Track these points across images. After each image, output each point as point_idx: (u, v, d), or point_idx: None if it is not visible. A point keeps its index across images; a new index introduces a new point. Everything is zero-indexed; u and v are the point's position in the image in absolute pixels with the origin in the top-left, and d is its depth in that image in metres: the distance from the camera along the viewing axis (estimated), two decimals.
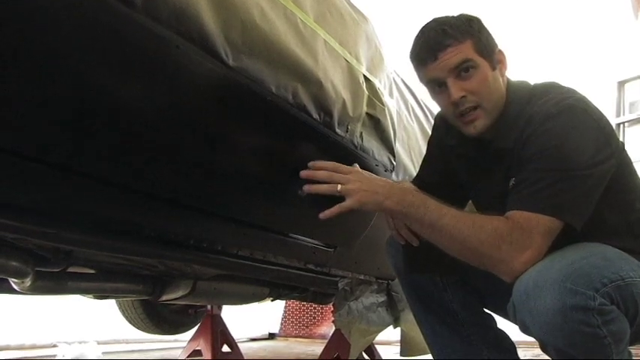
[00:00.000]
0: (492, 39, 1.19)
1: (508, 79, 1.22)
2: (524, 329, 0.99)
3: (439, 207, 1.09)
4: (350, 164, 1.34)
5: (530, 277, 0.97)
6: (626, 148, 1.19)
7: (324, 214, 1.15)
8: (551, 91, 1.16)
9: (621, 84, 6.35)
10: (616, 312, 0.93)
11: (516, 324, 1.02)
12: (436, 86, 1.18)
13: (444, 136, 1.35)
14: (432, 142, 1.45)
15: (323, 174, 1.17)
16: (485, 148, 1.22)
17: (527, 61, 6.06)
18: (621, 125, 6.15)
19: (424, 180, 1.42)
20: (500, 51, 1.19)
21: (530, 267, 0.99)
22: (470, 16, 1.18)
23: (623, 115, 6.22)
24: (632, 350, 1.04)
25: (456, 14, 1.19)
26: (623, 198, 1.15)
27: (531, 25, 6.76)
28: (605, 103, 6.00)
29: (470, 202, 1.45)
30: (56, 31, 0.81)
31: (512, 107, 1.18)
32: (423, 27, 1.18)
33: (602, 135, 1.08)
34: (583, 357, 0.93)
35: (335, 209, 1.15)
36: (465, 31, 1.14)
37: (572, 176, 1.03)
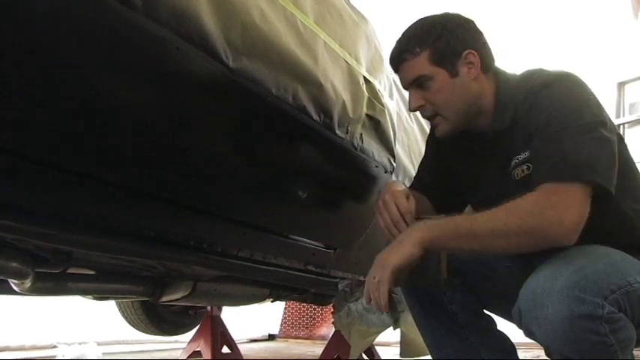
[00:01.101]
0: (458, 42, 1.17)
1: (498, 72, 1.23)
2: (530, 335, 0.98)
3: (464, 216, 1.08)
4: (349, 165, 1.35)
5: (537, 284, 0.96)
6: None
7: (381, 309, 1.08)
8: (539, 70, 1.18)
9: (621, 85, 6.35)
10: (624, 320, 0.92)
11: (521, 329, 1.01)
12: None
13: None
14: (429, 144, 1.46)
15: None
16: (480, 141, 1.23)
17: (527, 62, 6.07)
18: (621, 126, 6.16)
19: (423, 182, 1.42)
20: (470, 53, 1.18)
21: (580, 226, 0.97)
22: (436, 20, 1.20)
23: (623, 116, 6.23)
24: (635, 351, 1.04)
25: (432, 15, 1.22)
26: (630, 185, 1.14)
27: (531, 26, 6.77)
28: (605, 105, 5.99)
29: (469, 206, 1.45)
30: (57, 32, 0.81)
31: (503, 94, 1.20)
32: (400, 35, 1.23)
33: (598, 105, 1.09)
34: None
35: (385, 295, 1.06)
36: (423, 41, 1.17)
37: (586, 130, 1.03)
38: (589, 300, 0.89)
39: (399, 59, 1.21)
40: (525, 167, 1.13)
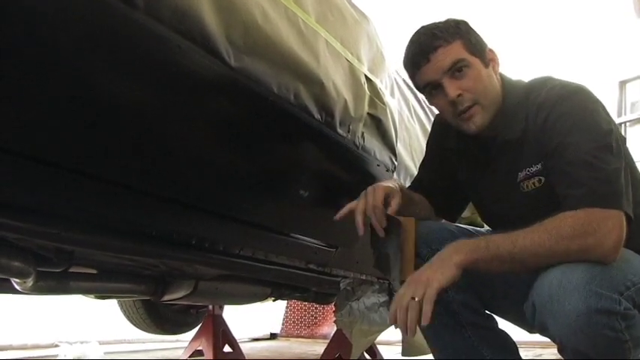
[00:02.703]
0: (481, 39, 1.20)
1: (502, 76, 1.24)
2: (543, 330, 0.98)
3: (502, 236, 1.03)
4: (351, 164, 1.35)
5: (553, 279, 0.95)
6: (627, 148, 1.19)
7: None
8: (549, 81, 1.17)
9: (623, 84, 6.34)
10: (638, 316, 0.93)
11: (532, 324, 1.01)
12: (432, 89, 1.19)
13: (443, 138, 1.35)
14: (430, 145, 1.45)
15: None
16: (486, 145, 1.23)
17: (528, 62, 6.06)
18: (623, 125, 6.15)
19: (423, 182, 1.42)
20: (490, 50, 1.20)
21: (619, 248, 0.97)
22: (456, 19, 1.20)
23: (625, 115, 6.22)
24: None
25: (444, 19, 1.20)
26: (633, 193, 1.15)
27: (533, 25, 6.76)
28: (606, 103, 5.98)
29: (470, 203, 1.45)
30: (58, 31, 0.81)
31: (510, 101, 1.19)
32: (413, 34, 1.20)
33: (608, 119, 1.10)
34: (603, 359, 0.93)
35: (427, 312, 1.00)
36: (454, 32, 1.15)
37: (610, 154, 1.03)
38: (607, 295, 0.90)
39: (431, 47, 1.14)
40: (537, 180, 1.13)
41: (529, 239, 0.99)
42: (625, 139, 1.18)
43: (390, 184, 1.29)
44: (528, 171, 1.14)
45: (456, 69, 1.14)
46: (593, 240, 0.97)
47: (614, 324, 0.89)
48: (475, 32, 1.20)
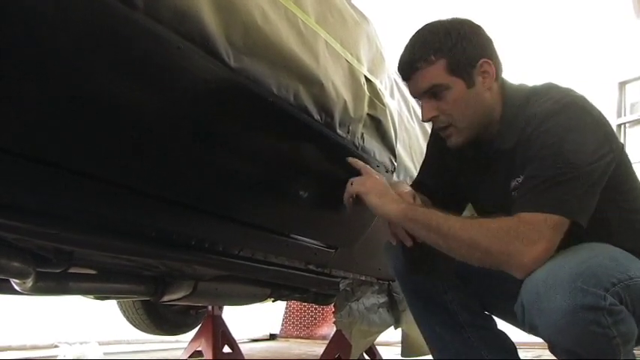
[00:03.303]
0: (475, 50, 1.15)
1: (504, 82, 1.22)
2: (533, 330, 0.99)
3: (444, 214, 1.10)
4: (351, 165, 1.35)
5: (540, 277, 0.96)
6: (627, 148, 1.19)
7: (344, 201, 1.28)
8: (549, 91, 1.16)
9: (622, 85, 6.34)
10: (625, 312, 0.93)
11: (523, 325, 1.01)
12: (418, 100, 1.24)
13: (443, 141, 1.35)
14: (430, 146, 1.46)
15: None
16: (484, 151, 1.23)
17: (528, 62, 6.06)
18: (622, 126, 6.15)
19: (424, 183, 1.43)
20: (485, 61, 1.15)
21: (541, 262, 0.98)
22: (451, 26, 1.16)
23: (624, 116, 6.22)
24: (635, 351, 1.04)
25: (443, 20, 1.18)
26: (624, 198, 1.15)
27: (532, 26, 6.76)
28: (606, 104, 5.99)
29: (470, 205, 1.45)
30: (57, 31, 0.81)
31: (509, 110, 1.18)
32: (410, 38, 1.20)
33: (602, 131, 1.08)
34: (592, 358, 0.93)
35: (346, 194, 1.28)
36: (439, 49, 1.13)
37: (576, 175, 1.03)
38: (592, 291, 0.90)
39: (411, 68, 1.16)
40: None
41: (461, 223, 1.07)
42: (623, 146, 1.17)
43: (404, 188, 1.30)
44: (517, 180, 1.14)
45: (431, 93, 1.16)
46: (513, 248, 1.00)
47: (601, 320, 0.90)
48: (468, 42, 1.15)
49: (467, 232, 1.05)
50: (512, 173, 1.15)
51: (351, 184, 1.27)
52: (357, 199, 1.24)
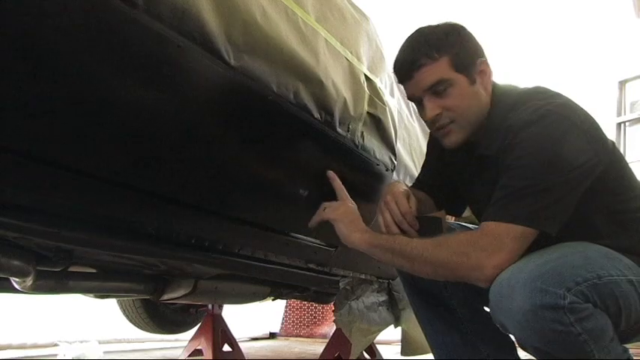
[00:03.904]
0: (473, 49, 1.17)
1: (495, 85, 1.22)
2: (502, 327, 1.01)
3: (407, 238, 1.15)
4: (350, 163, 1.35)
5: (504, 278, 0.98)
6: (627, 147, 1.18)
7: (310, 223, 1.35)
8: (532, 98, 1.14)
9: (622, 83, 6.34)
10: (591, 309, 0.93)
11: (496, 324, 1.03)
12: (417, 102, 1.22)
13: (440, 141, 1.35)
14: (430, 146, 1.46)
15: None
16: (474, 154, 1.23)
17: (528, 61, 6.06)
18: (622, 125, 6.14)
19: (424, 183, 1.43)
20: (482, 61, 1.18)
21: (503, 269, 1.00)
22: (449, 27, 1.18)
23: (624, 114, 6.22)
24: (630, 350, 1.04)
25: (438, 24, 1.19)
26: (615, 198, 1.14)
27: (533, 25, 6.76)
28: (606, 103, 6.00)
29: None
30: (57, 29, 0.81)
31: (496, 115, 1.18)
32: (404, 42, 1.20)
33: (582, 137, 1.06)
34: (562, 356, 0.94)
35: (316, 217, 1.34)
36: (441, 47, 1.14)
37: (546, 186, 1.03)
38: (551, 291, 0.91)
39: (413, 65, 1.15)
40: None
41: (422, 244, 1.10)
42: (615, 148, 1.16)
43: (399, 187, 1.31)
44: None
45: (434, 91, 1.15)
46: (472, 261, 1.03)
47: (562, 318, 0.91)
48: (467, 42, 1.17)
49: (429, 251, 1.07)
50: (497, 178, 1.16)
51: (324, 209, 1.31)
52: (326, 223, 1.30)
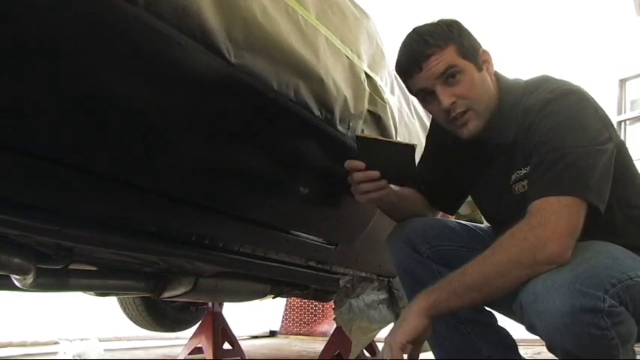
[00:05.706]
0: (474, 40, 1.19)
1: (499, 76, 1.23)
2: (532, 329, 0.98)
3: (456, 272, 1.03)
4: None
5: (539, 278, 0.95)
6: (628, 146, 1.19)
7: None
8: (545, 82, 1.16)
9: (622, 82, 6.33)
10: (625, 314, 0.92)
11: (523, 324, 1.02)
12: (426, 95, 1.19)
13: (442, 136, 1.35)
14: (429, 141, 1.46)
15: None
16: (483, 146, 1.23)
17: (528, 59, 6.06)
18: (622, 123, 6.14)
19: (423, 177, 1.43)
20: (484, 51, 1.19)
21: (569, 239, 0.95)
22: (448, 21, 1.19)
23: (624, 113, 6.21)
24: (636, 348, 1.04)
25: (435, 21, 1.19)
26: (627, 193, 1.14)
27: (533, 23, 6.75)
28: (606, 101, 5.99)
29: (470, 198, 1.45)
30: (57, 28, 0.81)
31: (506, 103, 1.19)
32: (404, 39, 1.19)
33: (601, 119, 1.08)
34: (590, 358, 0.92)
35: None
36: (446, 37, 1.14)
37: (581, 153, 1.00)
38: (591, 293, 0.89)
39: (421, 56, 1.14)
40: (525, 183, 1.13)
41: (476, 264, 1.00)
42: (623, 142, 1.17)
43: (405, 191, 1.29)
44: (518, 174, 1.14)
45: (449, 75, 1.13)
46: (533, 240, 0.96)
47: (600, 322, 0.89)
48: (468, 34, 1.18)
49: (487, 266, 0.99)
50: (513, 167, 1.15)
51: (389, 346, 1.06)
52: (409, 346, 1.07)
